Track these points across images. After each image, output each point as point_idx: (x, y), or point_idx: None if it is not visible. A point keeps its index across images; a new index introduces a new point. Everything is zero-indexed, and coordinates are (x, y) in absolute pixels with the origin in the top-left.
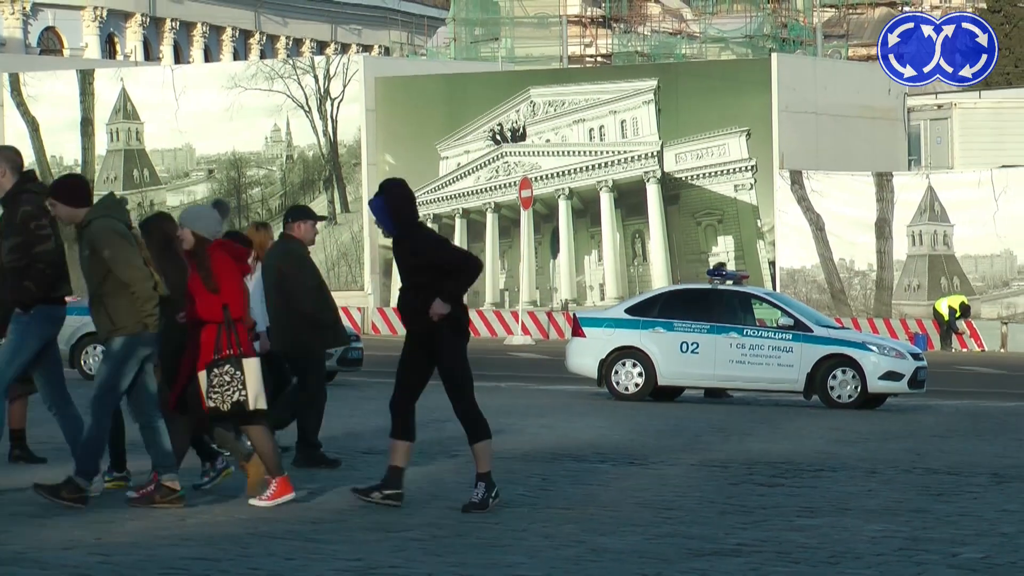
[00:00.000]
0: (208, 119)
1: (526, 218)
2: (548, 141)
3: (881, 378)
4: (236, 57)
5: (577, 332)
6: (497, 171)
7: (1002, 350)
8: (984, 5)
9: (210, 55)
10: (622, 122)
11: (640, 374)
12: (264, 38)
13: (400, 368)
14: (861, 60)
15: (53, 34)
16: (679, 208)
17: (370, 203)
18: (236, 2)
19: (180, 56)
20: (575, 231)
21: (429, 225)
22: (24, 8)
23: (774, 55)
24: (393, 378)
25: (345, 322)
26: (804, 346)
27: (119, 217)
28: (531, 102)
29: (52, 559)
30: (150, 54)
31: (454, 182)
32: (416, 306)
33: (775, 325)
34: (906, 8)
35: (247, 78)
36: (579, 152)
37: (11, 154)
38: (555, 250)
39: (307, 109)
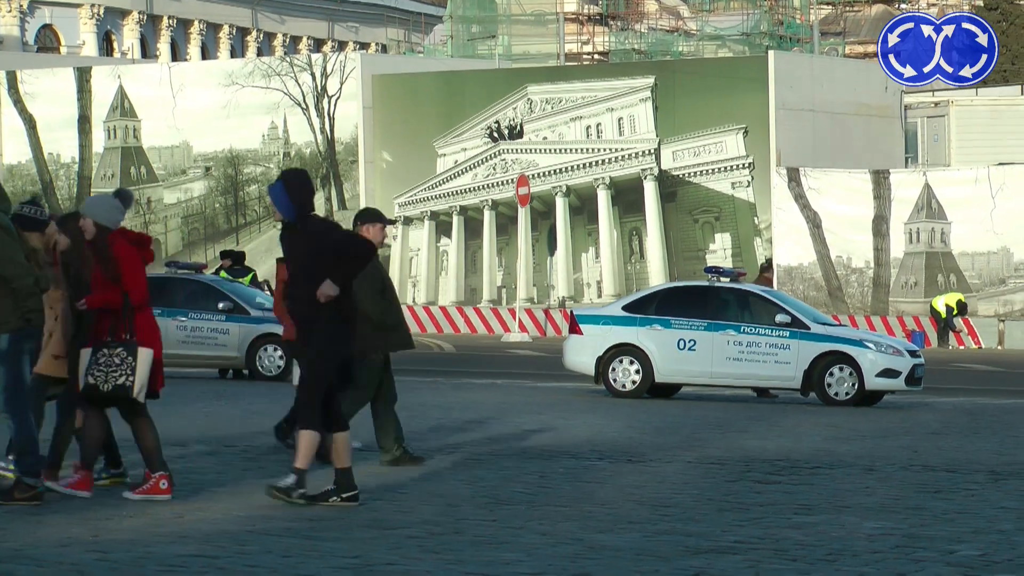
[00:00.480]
0: (205, 116)
1: (523, 215)
2: (545, 138)
3: (878, 375)
4: (233, 54)
5: (574, 329)
6: (494, 168)
7: (999, 347)
8: (981, 3)
9: (207, 52)
10: (619, 119)
11: (637, 371)
12: (261, 36)
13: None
14: (858, 57)
15: (50, 32)
16: (676, 205)
17: (269, 188)
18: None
19: (177, 53)
20: (572, 228)
21: (427, 222)
22: (21, 6)
23: (771, 53)
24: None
25: None
26: (801, 343)
27: (3, 209)
28: (528, 99)
29: (49, 556)
30: (147, 51)
31: (451, 179)
32: (301, 294)
33: (772, 322)
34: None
35: (244, 75)
36: (576, 149)
37: None
38: (552, 247)
39: (304, 106)
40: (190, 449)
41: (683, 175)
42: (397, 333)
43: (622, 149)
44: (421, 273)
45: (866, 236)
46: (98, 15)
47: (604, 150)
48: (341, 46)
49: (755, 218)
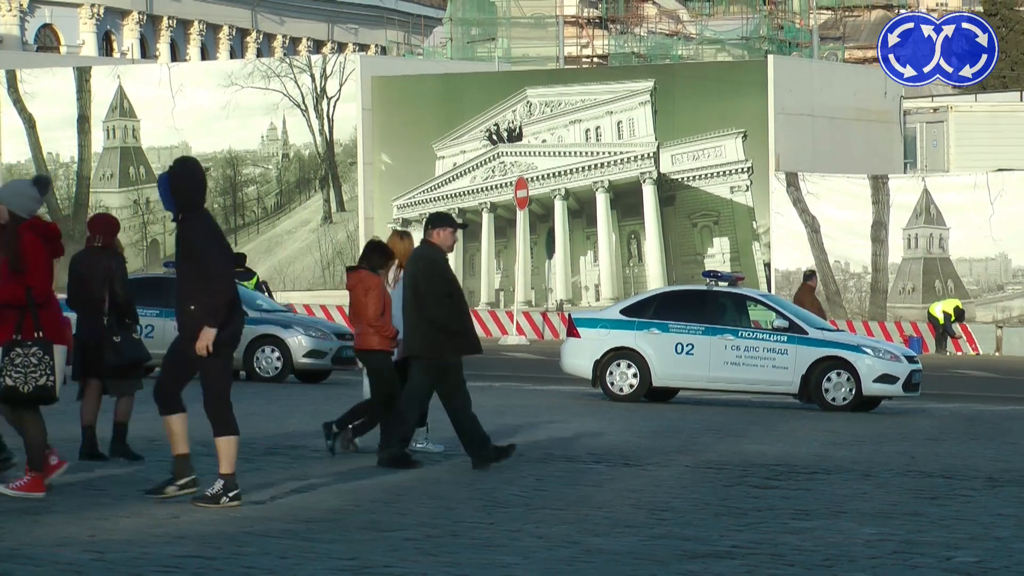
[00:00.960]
0: (204, 117)
1: (522, 218)
2: (544, 141)
3: (876, 381)
4: (233, 55)
5: (572, 333)
6: (493, 171)
7: (997, 354)
8: (981, 8)
9: (207, 53)
10: (618, 123)
11: (635, 375)
12: (261, 37)
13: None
14: (857, 62)
15: (50, 31)
16: (675, 209)
17: (158, 179)
18: (233, 0)
19: (177, 54)
20: (571, 231)
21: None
22: (21, 5)
23: (770, 57)
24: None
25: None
26: (799, 348)
27: None
28: (527, 102)
29: (46, 556)
30: (147, 52)
31: (450, 182)
32: (182, 299)
33: (770, 327)
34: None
35: (244, 76)
36: (575, 153)
37: None
38: (551, 250)
39: (303, 108)
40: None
41: (682, 179)
42: (465, 337)
43: (621, 152)
44: None
45: (864, 241)
46: (98, 15)
47: (603, 153)
48: (341, 48)
49: (753, 222)
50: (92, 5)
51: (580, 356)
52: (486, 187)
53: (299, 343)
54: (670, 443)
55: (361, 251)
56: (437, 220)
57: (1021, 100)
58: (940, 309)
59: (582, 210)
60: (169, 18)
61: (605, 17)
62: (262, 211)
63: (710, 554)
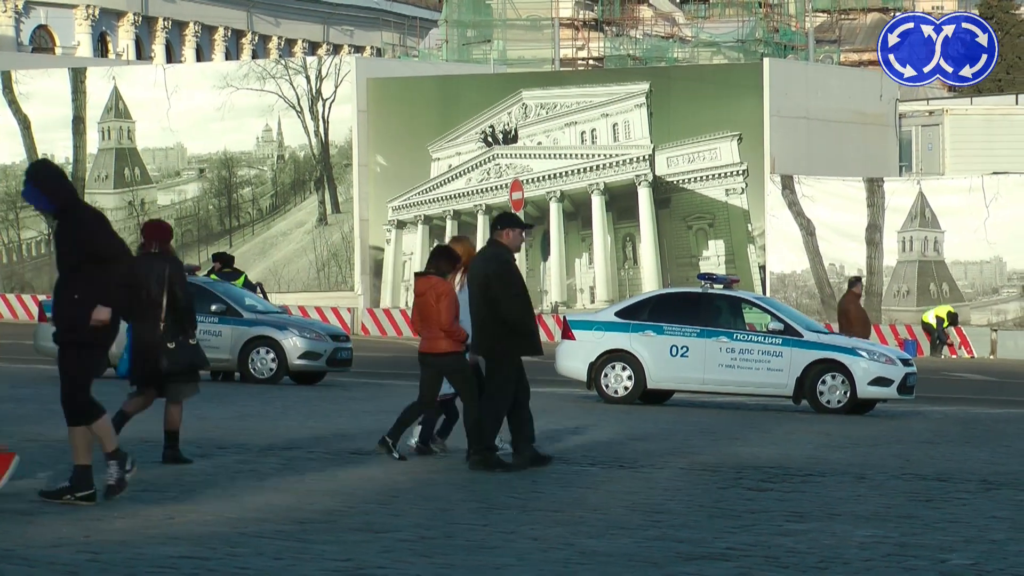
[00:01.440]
0: (199, 118)
1: None
2: (540, 144)
3: (871, 384)
4: (228, 57)
5: (567, 335)
6: (488, 173)
7: (991, 357)
8: (976, 12)
9: (202, 55)
10: (614, 125)
11: (629, 377)
12: (256, 38)
13: None
14: (853, 65)
15: (45, 32)
16: (670, 212)
17: (23, 194)
18: (228, 2)
19: (172, 55)
20: (566, 233)
21: (420, 226)
22: (16, 6)
23: (766, 60)
24: (381, 380)
25: (334, 323)
26: (794, 351)
27: None
28: (523, 104)
29: (40, 556)
30: (142, 53)
31: (445, 183)
32: (64, 293)
33: (765, 330)
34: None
35: (239, 78)
36: (570, 155)
37: None
38: (545, 252)
39: (299, 109)
40: (181, 451)
41: (677, 181)
42: (531, 339)
43: (616, 155)
44: (414, 277)
45: (859, 244)
46: (93, 16)
47: (598, 156)
48: (336, 49)
49: (748, 225)
50: (87, 6)
51: (575, 358)
52: (481, 189)
53: (294, 345)
54: (665, 445)
55: (427, 257)
56: (506, 220)
57: (1017, 103)
58: (933, 316)
59: (577, 212)
60: (164, 19)
61: (601, 19)
62: (257, 212)
63: (705, 556)
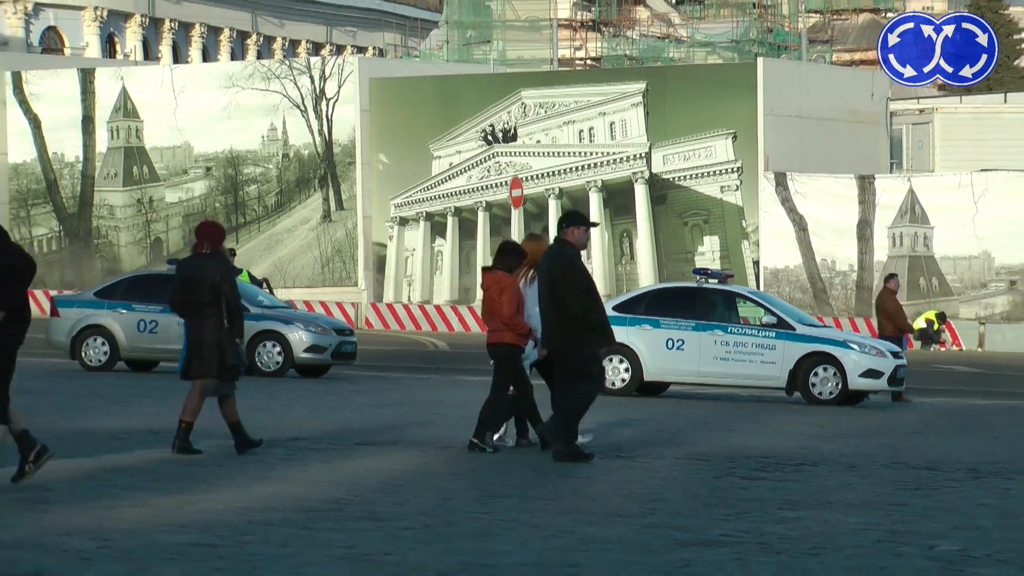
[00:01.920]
0: (206, 118)
1: (516, 217)
2: (539, 142)
3: (861, 376)
4: (234, 57)
5: None
6: (488, 171)
7: (979, 349)
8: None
9: (208, 55)
10: (611, 124)
11: (627, 369)
12: (261, 39)
13: None
14: (845, 65)
15: (55, 33)
16: (666, 208)
17: None
18: (234, 4)
19: (179, 56)
20: None
21: (422, 223)
22: (26, 8)
23: (760, 59)
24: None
25: (338, 317)
26: (787, 344)
27: None
28: (522, 103)
29: (54, 544)
30: (149, 54)
31: (446, 181)
32: None
33: (759, 323)
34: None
35: (244, 78)
36: (569, 153)
37: None
38: None
39: (303, 109)
40: (192, 442)
41: (673, 179)
42: (602, 329)
43: (614, 153)
44: (416, 273)
45: (850, 240)
46: (101, 18)
47: (596, 154)
48: (339, 50)
49: (743, 221)
50: (95, 8)
51: None
52: (481, 186)
53: (300, 338)
54: (661, 436)
55: (495, 253)
56: (571, 219)
57: (1005, 102)
58: (923, 319)
59: (575, 209)
60: (171, 21)
61: (598, 20)
62: (263, 209)
63: (700, 543)
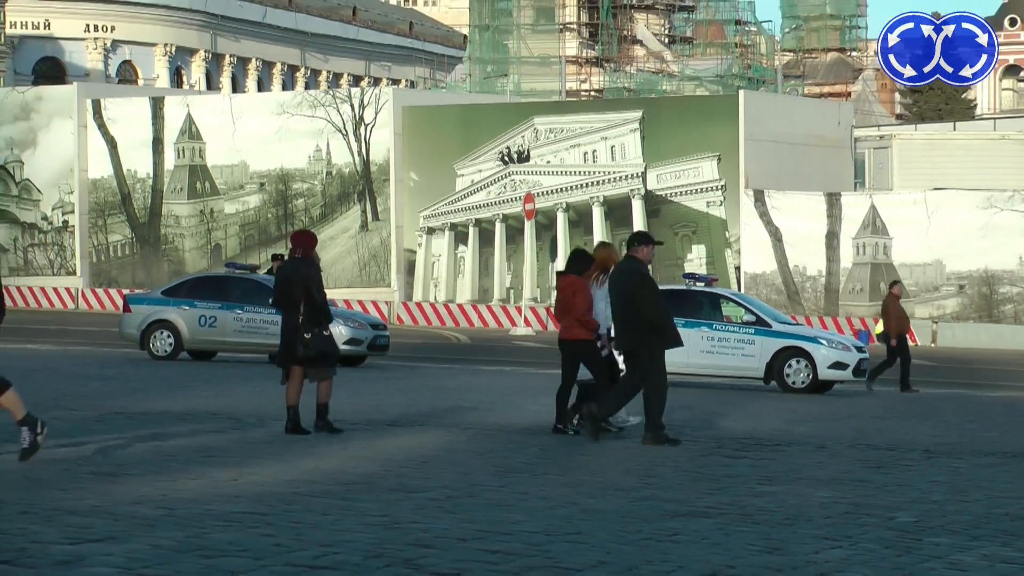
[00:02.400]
0: (260, 140)
1: (529, 227)
2: (548, 162)
3: (830, 367)
4: (285, 88)
5: None
6: (505, 187)
7: (932, 345)
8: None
9: (263, 86)
10: (612, 147)
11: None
12: (309, 72)
13: None
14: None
15: (129, 66)
16: (659, 220)
17: None
18: (285, 41)
19: (237, 86)
20: (571, 239)
21: (447, 232)
22: (105, 44)
23: (741, 92)
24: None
25: (373, 314)
26: (764, 339)
27: None
28: (534, 129)
29: (123, 511)
30: (212, 84)
31: (468, 196)
32: None
33: (740, 321)
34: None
35: (294, 106)
36: (575, 172)
37: None
38: (553, 255)
39: (344, 133)
40: (245, 423)
41: (665, 195)
42: (671, 333)
43: (614, 172)
44: (441, 275)
45: (820, 249)
46: (170, 53)
47: (599, 173)
48: (376, 82)
49: (726, 232)
50: (165, 44)
51: None
52: (499, 201)
53: (339, 332)
54: None
55: (567, 259)
56: (641, 238)
57: (954, 130)
58: (881, 326)
59: (580, 221)
60: (231, 56)
61: (601, 57)
62: (309, 220)
63: (688, 513)
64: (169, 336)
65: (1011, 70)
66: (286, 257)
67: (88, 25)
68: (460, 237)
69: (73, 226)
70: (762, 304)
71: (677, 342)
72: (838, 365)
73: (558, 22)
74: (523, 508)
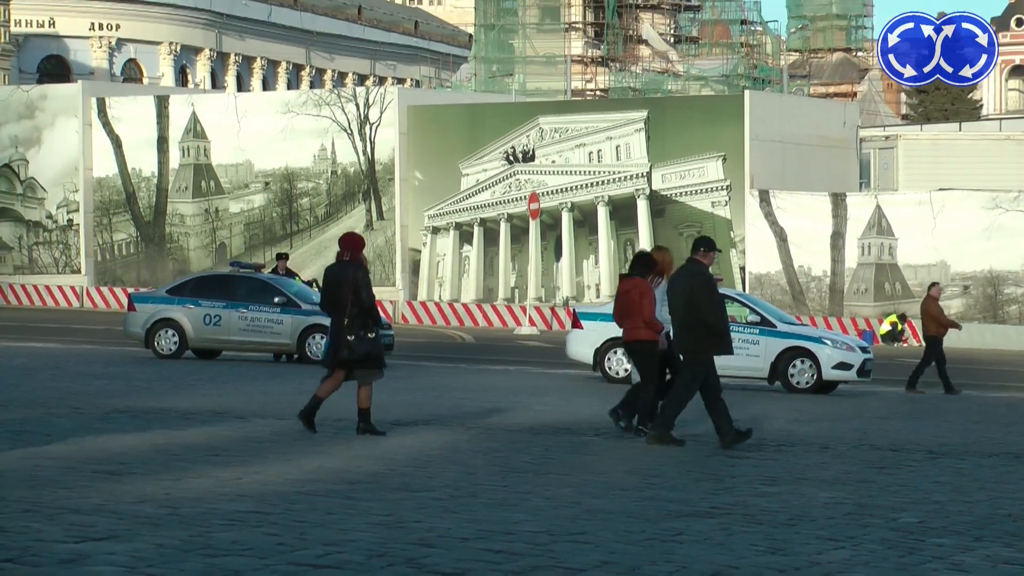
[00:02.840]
0: (265, 139)
1: (534, 227)
2: (553, 162)
3: (834, 368)
4: (290, 87)
5: (576, 324)
6: (510, 187)
7: None
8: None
9: (267, 85)
10: (617, 147)
11: (629, 360)
12: (314, 71)
13: None
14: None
15: (134, 65)
16: (664, 220)
17: None
18: (290, 40)
19: (242, 85)
20: (575, 239)
21: (452, 232)
22: (110, 43)
23: (747, 92)
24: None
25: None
26: (769, 339)
27: None
28: (539, 128)
29: (127, 510)
30: (216, 83)
31: (473, 195)
32: None
33: (745, 321)
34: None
35: (299, 105)
36: (580, 172)
37: None
38: (558, 254)
39: (349, 132)
40: (249, 421)
41: (670, 195)
42: (726, 338)
43: (619, 172)
44: (446, 275)
45: (825, 249)
46: (175, 52)
47: (603, 173)
48: (381, 81)
49: (731, 232)
50: (170, 43)
51: (583, 344)
52: (504, 200)
53: None
54: None
55: (630, 262)
56: (705, 244)
57: (960, 130)
58: (887, 324)
59: (585, 221)
60: (236, 55)
61: (606, 57)
62: (314, 219)
63: (691, 514)
64: (174, 335)
65: (1017, 70)
66: (334, 259)
67: (93, 23)
68: (465, 236)
69: (78, 224)
70: (767, 304)
71: (728, 350)
72: (842, 365)
73: (563, 22)
74: (526, 508)
